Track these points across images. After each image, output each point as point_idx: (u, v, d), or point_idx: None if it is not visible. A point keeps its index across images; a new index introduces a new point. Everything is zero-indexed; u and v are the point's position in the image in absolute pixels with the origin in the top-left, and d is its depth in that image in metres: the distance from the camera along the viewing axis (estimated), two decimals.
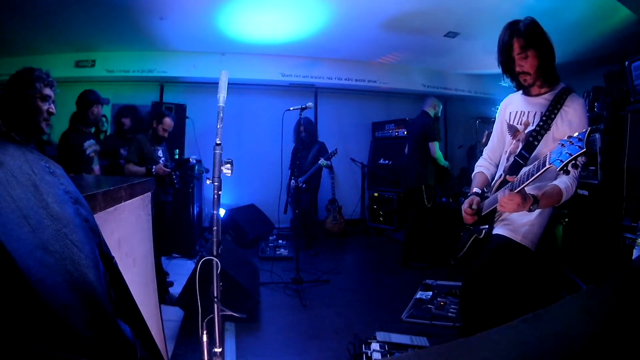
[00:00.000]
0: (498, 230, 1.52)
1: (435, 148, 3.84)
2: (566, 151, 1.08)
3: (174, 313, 2.55)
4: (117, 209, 1.27)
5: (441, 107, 4.09)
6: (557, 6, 3.28)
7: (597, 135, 2.61)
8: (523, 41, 1.43)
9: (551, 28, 3.87)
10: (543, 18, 3.62)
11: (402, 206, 5.08)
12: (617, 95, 2.74)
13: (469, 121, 5.68)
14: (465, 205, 1.60)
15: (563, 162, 1.08)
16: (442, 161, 3.93)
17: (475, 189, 1.65)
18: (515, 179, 1.32)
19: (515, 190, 1.27)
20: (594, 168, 2.62)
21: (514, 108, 1.59)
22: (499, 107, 1.71)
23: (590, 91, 2.90)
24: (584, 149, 1.04)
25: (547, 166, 1.13)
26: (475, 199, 1.58)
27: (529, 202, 1.27)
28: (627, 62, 2.72)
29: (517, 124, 1.56)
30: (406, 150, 4.37)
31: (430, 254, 3.84)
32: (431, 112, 3.94)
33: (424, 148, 3.83)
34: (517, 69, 1.47)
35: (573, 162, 1.07)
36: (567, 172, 1.10)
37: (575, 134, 1.08)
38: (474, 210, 1.56)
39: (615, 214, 2.43)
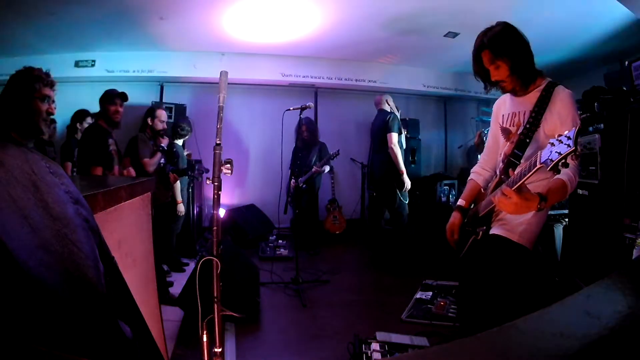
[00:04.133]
0: (495, 230, 1.52)
1: (394, 139, 3.69)
2: (556, 150, 1.07)
3: (174, 313, 2.55)
4: (117, 209, 1.27)
5: (392, 100, 4.05)
6: (557, 6, 3.28)
7: (597, 136, 2.61)
8: (489, 53, 1.43)
9: (551, 28, 3.87)
10: (543, 17, 3.61)
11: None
12: (617, 95, 2.74)
13: (469, 121, 5.70)
14: (447, 230, 1.64)
15: (553, 161, 1.07)
16: (399, 158, 3.70)
17: (461, 201, 1.68)
18: (513, 175, 1.30)
19: (514, 188, 1.23)
20: (594, 168, 2.62)
21: (506, 110, 1.60)
22: (492, 110, 1.71)
23: (590, 91, 2.90)
24: (573, 148, 1.03)
25: (538, 166, 1.12)
26: (456, 222, 1.62)
27: (535, 200, 1.23)
28: (627, 62, 2.72)
29: (510, 125, 1.56)
30: (370, 149, 4.36)
31: (424, 257, 3.71)
32: (387, 108, 3.93)
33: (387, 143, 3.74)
34: (493, 78, 1.48)
35: (563, 161, 1.06)
36: (557, 171, 1.10)
37: (565, 132, 1.07)
38: (455, 240, 1.61)
39: (616, 214, 2.43)
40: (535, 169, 1.14)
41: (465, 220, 1.65)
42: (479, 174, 1.72)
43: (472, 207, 1.67)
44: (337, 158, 4.09)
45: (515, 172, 1.27)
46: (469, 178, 1.75)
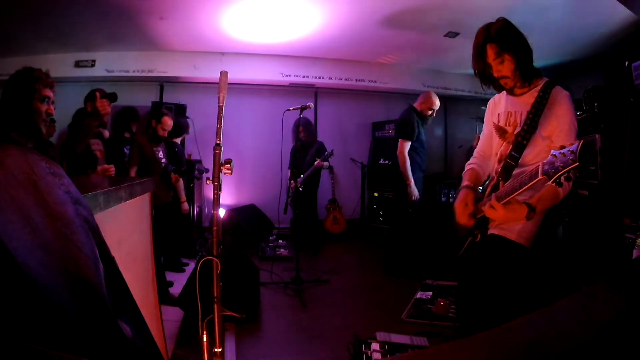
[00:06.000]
0: (493, 230, 1.52)
1: (401, 146, 3.40)
2: (558, 163, 1.05)
3: (174, 313, 2.55)
4: (117, 209, 1.27)
5: (436, 104, 3.57)
6: (557, 6, 3.28)
7: (597, 136, 2.61)
8: (496, 46, 1.41)
9: (551, 28, 3.86)
10: (543, 17, 3.60)
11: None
12: (617, 95, 2.74)
13: (469, 121, 5.69)
14: (459, 203, 1.54)
15: (556, 174, 1.05)
16: (406, 166, 3.37)
17: (466, 182, 1.62)
18: (502, 188, 1.31)
19: (502, 202, 1.27)
20: (594, 168, 2.62)
21: (501, 109, 1.58)
22: (487, 108, 1.69)
23: (590, 91, 2.91)
24: (577, 163, 1.01)
25: (539, 177, 1.11)
26: (469, 195, 1.54)
27: (523, 211, 1.26)
28: (627, 62, 2.72)
29: (505, 125, 1.54)
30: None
31: (416, 264, 3.62)
32: (418, 107, 3.54)
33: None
34: (496, 74, 1.46)
35: (565, 175, 1.04)
36: (559, 185, 1.08)
37: (568, 145, 1.05)
38: (470, 210, 1.51)
39: (616, 214, 2.44)
40: (536, 180, 1.13)
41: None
42: (478, 165, 1.70)
43: (480, 190, 1.63)
44: (337, 158, 4.07)
45: (507, 185, 1.29)
46: (465, 170, 1.73)
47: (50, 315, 0.65)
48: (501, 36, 1.41)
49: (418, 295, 2.94)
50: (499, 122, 1.58)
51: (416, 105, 3.60)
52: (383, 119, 5.71)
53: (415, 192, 3.42)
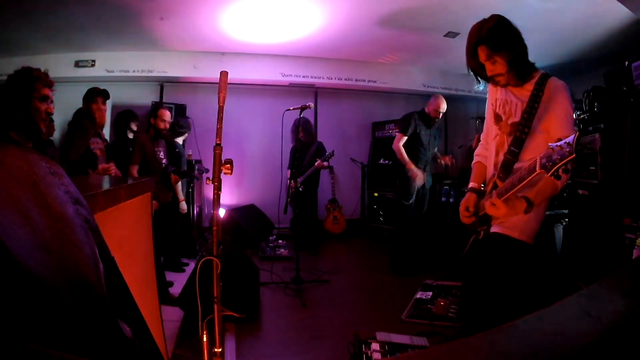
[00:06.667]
0: (495, 228, 1.52)
1: (396, 140, 3.59)
2: (555, 156, 1.06)
3: (174, 313, 2.55)
4: (117, 209, 1.27)
5: (442, 107, 3.63)
6: (557, 6, 3.28)
7: (597, 135, 2.61)
8: (487, 48, 1.40)
9: (551, 28, 3.85)
10: (543, 18, 3.60)
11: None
12: (617, 95, 2.74)
13: (469, 121, 5.69)
14: (461, 207, 1.59)
15: (554, 167, 1.06)
16: (402, 156, 3.53)
17: (472, 184, 1.64)
18: (502, 185, 1.33)
19: (502, 198, 1.27)
20: (594, 168, 2.62)
21: (500, 95, 1.57)
22: (488, 89, 1.68)
23: (590, 91, 2.90)
24: (574, 155, 1.02)
25: (537, 171, 1.12)
26: (471, 200, 1.57)
27: (522, 205, 1.27)
28: (627, 62, 2.72)
29: (502, 113, 1.54)
30: None
31: (420, 260, 3.68)
32: (426, 110, 3.65)
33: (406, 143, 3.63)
34: (489, 73, 1.46)
35: (563, 167, 1.05)
36: (558, 177, 1.09)
37: (564, 138, 1.06)
38: (471, 213, 1.55)
39: (616, 214, 2.43)
40: (534, 174, 1.14)
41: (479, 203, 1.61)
42: (483, 155, 1.71)
43: (483, 187, 1.65)
44: (337, 158, 4.06)
45: (507, 181, 1.31)
46: (473, 162, 1.74)
47: (50, 315, 0.65)
48: (492, 37, 1.38)
49: (418, 295, 2.94)
50: (496, 107, 1.58)
51: (425, 108, 3.72)
52: (383, 119, 5.71)
53: (418, 173, 3.55)
